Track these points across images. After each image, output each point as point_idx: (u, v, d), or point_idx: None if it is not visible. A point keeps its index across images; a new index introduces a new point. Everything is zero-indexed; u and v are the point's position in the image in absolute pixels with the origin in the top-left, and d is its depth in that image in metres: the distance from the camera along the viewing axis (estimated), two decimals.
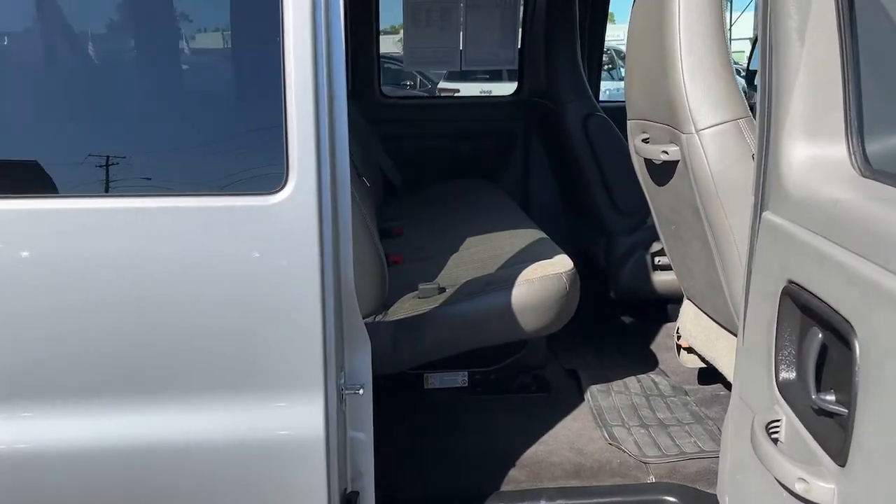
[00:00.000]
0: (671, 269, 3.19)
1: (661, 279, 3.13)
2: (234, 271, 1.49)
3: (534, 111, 3.67)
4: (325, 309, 1.50)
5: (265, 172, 1.51)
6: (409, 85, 14.14)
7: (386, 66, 6.83)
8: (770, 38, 1.31)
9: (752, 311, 1.35)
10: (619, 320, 3.34)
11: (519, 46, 3.77)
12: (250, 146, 1.53)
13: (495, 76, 10.93)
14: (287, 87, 1.47)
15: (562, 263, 2.23)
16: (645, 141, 2.11)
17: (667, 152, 1.93)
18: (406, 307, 2.16)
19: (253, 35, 1.55)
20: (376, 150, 3.65)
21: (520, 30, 3.74)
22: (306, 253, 1.48)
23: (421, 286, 2.18)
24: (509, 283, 2.14)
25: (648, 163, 2.14)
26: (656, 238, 3.22)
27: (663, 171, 2.05)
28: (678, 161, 1.92)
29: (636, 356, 2.95)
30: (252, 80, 1.57)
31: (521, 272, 2.18)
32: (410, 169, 3.77)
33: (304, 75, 1.47)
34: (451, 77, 11.57)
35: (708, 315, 2.19)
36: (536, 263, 2.23)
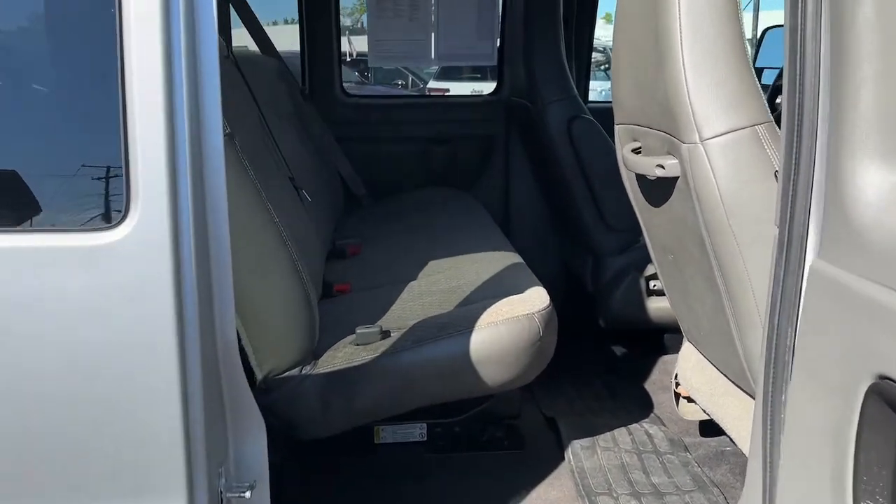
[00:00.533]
0: None
1: (656, 306, 2.72)
2: (57, 333, 1.08)
3: (515, 113, 3.25)
4: (187, 383, 1.09)
5: (98, 203, 1.11)
6: (401, 84, 13.72)
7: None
8: (803, 21, 0.92)
9: (799, 406, 0.93)
10: (608, 352, 2.93)
11: (498, 40, 3.36)
12: (77, 166, 1.12)
13: (486, 75, 10.53)
14: (126, 86, 1.06)
15: (535, 300, 1.82)
16: (636, 151, 1.70)
17: (662, 166, 1.52)
18: (340, 356, 1.75)
19: (77, 19, 1.14)
20: (336, 156, 3.23)
21: (499, 21, 3.32)
22: (156, 307, 1.07)
23: (359, 330, 1.77)
24: (468, 326, 1.72)
25: (641, 178, 1.73)
26: (650, 258, 2.81)
27: (659, 189, 1.64)
28: (677, 177, 1.51)
29: (628, 397, 2.54)
30: (78, 79, 1.16)
31: (483, 311, 1.77)
32: (375, 177, 3.35)
33: (151, 67, 1.06)
34: (442, 76, 11.14)
35: (714, 365, 1.78)
36: (505, 300, 1.82)
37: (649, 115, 1.57)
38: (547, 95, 2.68)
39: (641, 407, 2.46)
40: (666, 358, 2.81)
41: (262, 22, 3.04)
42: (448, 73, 10.51)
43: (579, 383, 2.60)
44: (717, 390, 1.78)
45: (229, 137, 1.64)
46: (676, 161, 1.49)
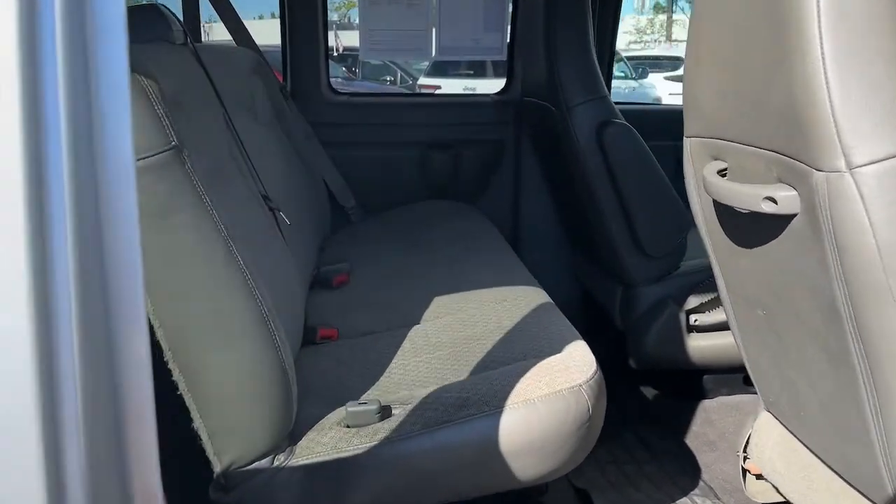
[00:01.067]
0: (714, 331, 2.38)
1: (699, 344, 2.31)
2: None
3: (528, 115, 2.83)
4: None
5: None
6: (390, 81, 13.25)
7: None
8: None
9: None
10: (639, 396, 2.52)
11: (509, 30, 2.93)
12: None
13: (480, 71, 10.05)
14: None
15: (579, 364, 1.40)
16: (722, 174, 1.28)
17: (773, 199, 1.10)
18: (326, 442, 1.32)
19: None
20: (322, 164, 2.79)
21: (510, 9, 2.90)
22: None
23: (350, 408, 1.34)
24: (496, 405, 1.30)
25: (724, 208, 1.32)
26: (693, 289, 2.40)
27: (757, 226, 1.22)
28: (795, 215, 1.09)
29: (668, 457, 2.13)
30: None
31: (513, 382, 1.35)
32: (366, 187, 2.92)
33: None
34: (433, 72, 10.68)
35: (816, 455, 1.36)
36: (540, 365, 1.40)
37: (751, 129, 1.15)
38: (572, 96, 2.26)
39: (686, 471, 2.06)
40: (707, 405, 2.40)
41: (248, 18, 2.61)
42: (440, 69, 10.05)
43: (610, 440, 2.19)
44: (817, 485, 1.37)
45: (176, 152, 1.20)
46: (794, 193, 1.07)
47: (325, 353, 1.71)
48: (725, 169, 1.28)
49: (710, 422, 2.31)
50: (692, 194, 1.44)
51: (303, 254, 2.06)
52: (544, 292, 1.92)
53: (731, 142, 1.23)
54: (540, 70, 2.43)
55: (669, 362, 2.35)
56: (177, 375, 1.25)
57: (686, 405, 2.39)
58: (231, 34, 2.66)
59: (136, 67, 1.20)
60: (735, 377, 2.45)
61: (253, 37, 2.64)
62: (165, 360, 1.25)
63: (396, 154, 2.94)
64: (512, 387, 1.32)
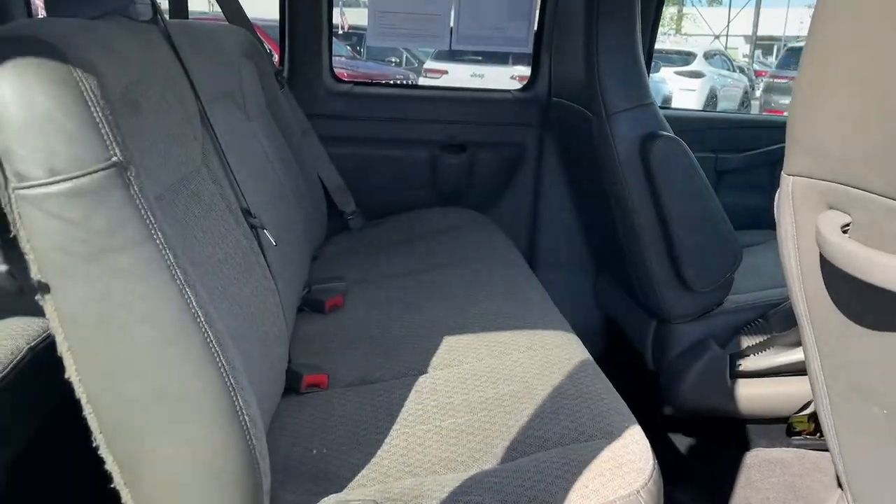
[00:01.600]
0: (762, 377, 2.08)
1: (743, 392, 2.02)
2: None
3: (555, 118, 2.51)
4: None
5: None
6: (395, 62, 12.86)
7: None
8: None
9: None
10: (671, 448, 2.22)
11: (537, 20, 2.61)
12: None
13: (490, 57, 9.66)
14: None
15: (636, 458, 1.09)
16: (844, 230, 0.97)
17: None
18: None
19: None
20: (320, 163, 2.47)
21: None
22: None
23: None
24: None
25: (840, 275, 1.00)
26: (739, 329, 2.10)
27: (893, 308, 0.91)
28: None
29: None
30: None
31: (553, 480, 1.04)
32: (368, 189, 2.60)
33: None
34: (441, 55, 10.29)
35: None
36: (587, 454, 1.09)
37: None
38: (614, 101, 1.94)
39: None
40: (748, 461, 2.11)
41: None
42: (448, 53, 9.68)
43: None
44: None
45: (117, 171, 0.89)
46: None
47: (311, 409, 1.40)
48: (848, 224, 0.97)
49: (750, 483, 2.01)
50: (787, 246, 1.12)
51: (292, 273, 1.75)
52: (576, 337, 1.61)
53: (867, 191, 0.91)
54: (575, 68, 2.10)
55: (708, 410, 2.06)
56: (110, 465, 0.95)
57: (723, 460, 2.09)
58: (222, 8, 2.33)
59: (68, 55, 0.89)
60: (778, 427, 2.15)
61: (244, 9, 2.31)
62: (95, 445, 0.94)
63: (403, 154, 2.62)
64: (553, 493, 1.02)
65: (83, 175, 0.87)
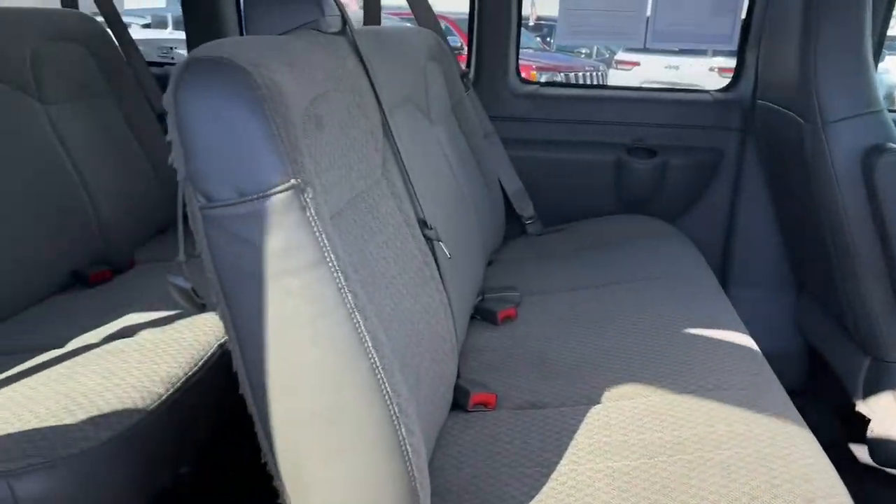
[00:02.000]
0: None
1: None
2: None
3: (760, 123, 2.28)
4: None
5: None
6: (585, 53, 12.56)
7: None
8: None
9: None
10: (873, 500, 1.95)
11: (744, 14, 2.39)
12: None
13: (688, 48, 9.16)
14: None
15: None
16: None
17: None
18: None
19: None
20: (500, 164, 2.43)
21: None
22: None
23: None
24: None
25: None
26: None
27: None
28: None
29: None
30: None
31: None
32: (548, 193, 2.52)
33: None
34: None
35: None
36: None
37: None
38: (833, 107, 1.71)
39: None
40: None
41: None
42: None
43: None
44: None
45: (295, 193, 0.89)
46: None
47: (476, 429, 1.36)
48: None
49: None
50: None
51: (465, 282, 1.72)
52: (770, 373, 1.44)
53: None
54: (787, 68, 1.89)
55: None
56: (277, 482, 0.96)
57: None
58: (412, 10, 2.34)
59: (257, 79, 0.89)
60: None
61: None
62: (263, 462, 0.96)
63: (587, 157, 2.51)
64: None
65: (263, 197, 0.88)
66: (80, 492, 1.09)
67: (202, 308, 0.95)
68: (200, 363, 1.41)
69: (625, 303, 1.83)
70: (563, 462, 1.22)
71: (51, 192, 1.90)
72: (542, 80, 8.62)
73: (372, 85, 1.37)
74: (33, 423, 1.15)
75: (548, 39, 11.99)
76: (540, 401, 1.43)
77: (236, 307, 0.91)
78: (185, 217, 0.92)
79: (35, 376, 1.36)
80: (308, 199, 0.91)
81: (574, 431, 1.30)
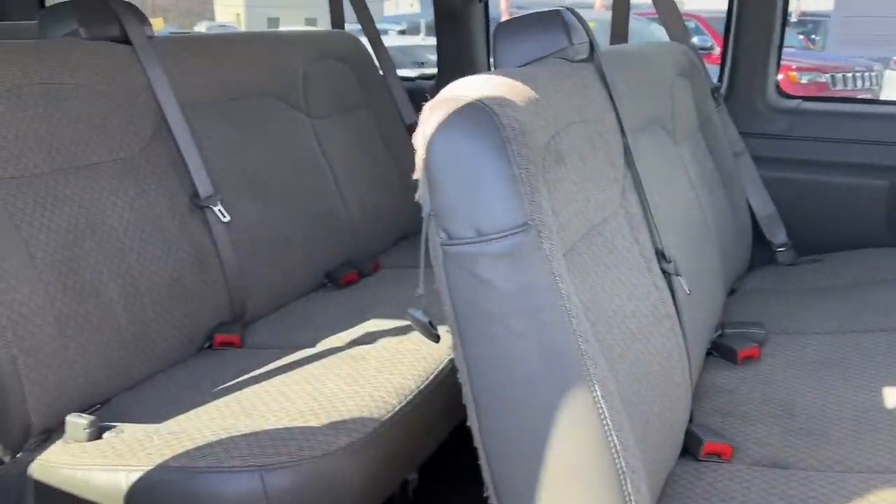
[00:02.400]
0: None
1: None
2: None
3: None
4: None
5: None
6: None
7: None
8: None
9: None
10: None
11: None
12: None
13: None
14: None
15: None
16: None
17: None
18: None
19: None
20: (749, 185, 2.25)
21: None
22: None
23: None
24: None
25: None
26: None
27: None
28: None
29: None
30: None
31: None
32: (804, 219, 2.28)
33: None
34: None
35: None
36: None
37: None
38: None
39: None
40: None
41: None
42: None
43: None
44: None
45: (532, 232, 0.89)
46: None
47: (707, 482, 1.25)
48: None
49: None
50: None
51: (703, 316, 1.61)
52: None
53: None
54: None
55: None
56: None
57: None
58: (664, 24, 2.24)
59: (501, 118, 0.90)
60: None
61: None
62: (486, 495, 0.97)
63: (853, 180, 2.24)
64: None
65: (501, 237, 0.89)
66: (319, 491, 1.18)
67: (437, 339, 0.98)
68: (431, 377, 1.47)
69: (892, 353, 1.60)
70: None
71: (310, 198, 2.10)
72: (804, 81, 7.86)
73: (616, 111, 1.33)
74: (285, 422, 1.27)
75: (812, 37, 10.93)
76: (783, 460, 1.30)
77: (468, 342, 0.93)
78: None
79: (289, 374, 1.51)
80: (544, 239, 0.90)
81: (828, 502, 1.16)
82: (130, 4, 1.75)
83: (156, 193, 1.65)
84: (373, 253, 2.28)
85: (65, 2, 1.65)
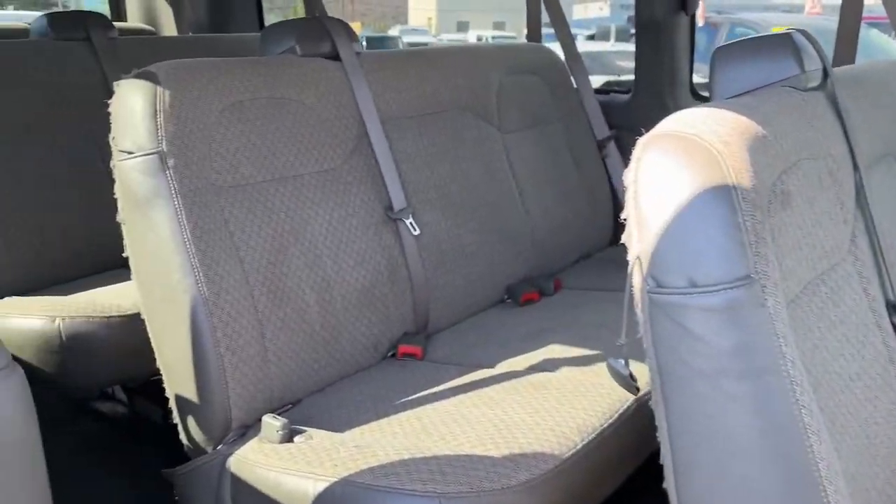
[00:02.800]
0: None
1: None
2: None
3: None
4: None
5: None
6: None
7: None
8: None
9: None
10: None
11: None
12: None
13: None
14: None
15: None
16: None
17: None
18: None
19: None
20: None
21: None
22: None
23: None
24: None
25: None
26: None
27: None
28: None
29: None
30: None
31: None
32: None
33: None
34: None
35: None
36: None
37: None
38: None
39: None
40: None
41: None
42: None
43: None
44: None
45: (753, 287, 0.81)
46: None
47: None
48: None
49: None
50: None
51: None
52: None
53: None
54: None
55: None
56: None
57: None
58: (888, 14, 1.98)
59: (725, 159, 0.82)
60: None
61: None
62: None
63: None
64: None
65: (717, 290, 0.81)
66: None
67: (637, 391, 0.92)
68: (615, 416, 1.40)
69: None
70: None
71: (496, 212, 2.09)
72: None
73: (849, 145, 1.19)
74: (465, 448, 1.26)
75: None
76: None
77: (671, 400, 0.86)
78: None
79: (469, 394, 1.50)
80: (769, 296, 0.81)
81: None
82: (342, 22, 1.83)
83: (353, 205, 1.70)
84: (553, 269, 2.23)
85: (285, 21, 1.75)
